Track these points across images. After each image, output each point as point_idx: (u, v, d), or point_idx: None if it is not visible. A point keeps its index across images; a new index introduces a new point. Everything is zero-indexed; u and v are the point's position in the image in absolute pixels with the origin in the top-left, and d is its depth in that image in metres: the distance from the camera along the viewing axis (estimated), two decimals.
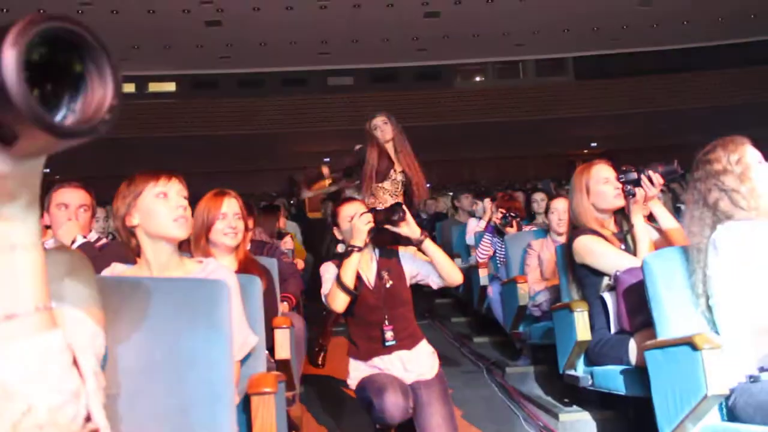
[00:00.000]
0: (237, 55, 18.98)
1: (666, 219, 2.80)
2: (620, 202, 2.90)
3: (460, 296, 5.61)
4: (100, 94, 0.66)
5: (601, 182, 2.93)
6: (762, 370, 1.92)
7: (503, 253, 4.50)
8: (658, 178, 2.76)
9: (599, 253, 2.83)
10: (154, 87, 20.78)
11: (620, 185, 2.87)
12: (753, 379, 1.93)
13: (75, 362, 0.77)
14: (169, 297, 1.31)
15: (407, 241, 2.92)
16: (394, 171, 4.26)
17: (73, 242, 2.93)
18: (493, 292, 4.54)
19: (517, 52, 20.45)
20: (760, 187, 2.11)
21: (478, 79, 22.33)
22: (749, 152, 2.17)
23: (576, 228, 2.96)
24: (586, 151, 24.69)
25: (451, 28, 18.17)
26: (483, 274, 4.88)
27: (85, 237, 3.00)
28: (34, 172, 0.72)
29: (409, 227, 2.79)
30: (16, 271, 0.71)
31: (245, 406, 1.86)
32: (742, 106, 19.32)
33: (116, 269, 1.97)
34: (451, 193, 12.88)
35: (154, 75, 20.41)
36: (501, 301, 4.36)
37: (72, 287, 0.87)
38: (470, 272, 5.20)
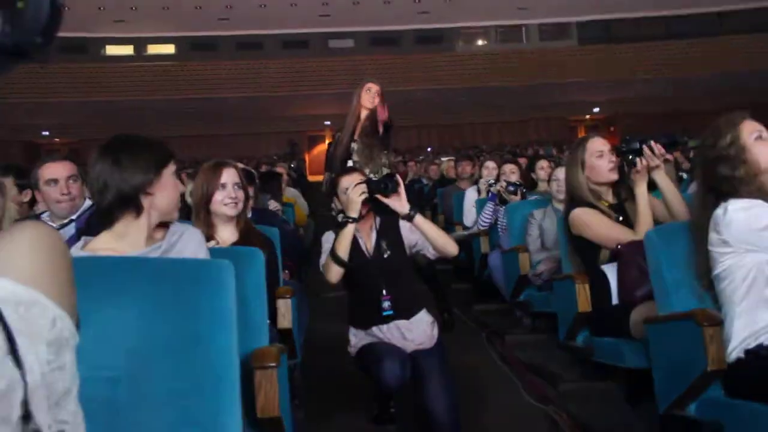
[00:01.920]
0: (236, 17, 18.79)
1: (669, 190, 2.79)
2: (614, 176, 2.93)
3: (462, 263, 5.62)
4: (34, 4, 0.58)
5: (595, 155, 2.94)
6: (761, 346, 1.93)
7: (505, 221, 4.50)
8: (659, 148, 2.74)
9: (593, 225, 2.87)
10: (152, 49, 20.59)
11: (615, 158, 2.90)
12: (753, 354, 1.94)
13: (14, 350, 0.66)
14: (174, 277, 1.30)
15: None
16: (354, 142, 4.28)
17: None
18: (494, 260, 4.54)
19: (521, 15, 20.22)
20: (758, 167, 2.09)
21: (480, 42, 22.10)
22: (744, 131, 2.13)
23: (572, 201, 2.97)
24: (588, 116, 24.58)
25: None
26: (484, 242, 4.88)
27: (71, 218, 3.00)
28: None
29: (400, 201, 2.75)
30: None
31: (247, 379, 1.86)
32: (748, 73, 19.18)
33: (92, 244, 1.89)
34: (453, 158, 12.81)
35: (153, 37, 20.21)
36: (502, 270, 4.36)
37: (25, 262, 0.77)
38: (471, 240, 5.21)
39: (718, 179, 2.14)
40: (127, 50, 20.46)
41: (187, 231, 1.95)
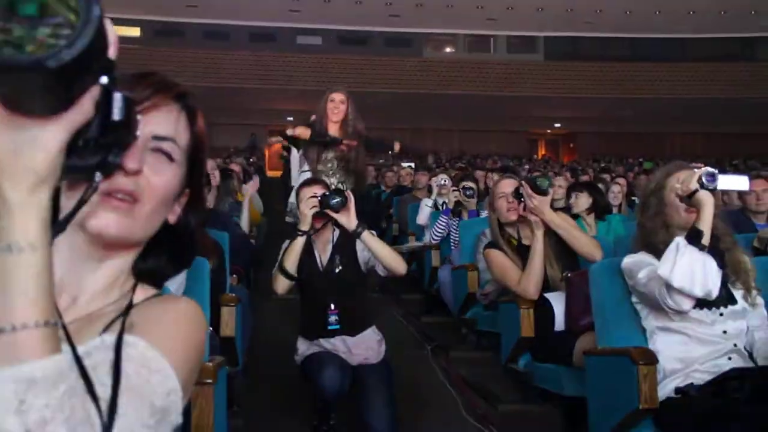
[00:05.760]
0: (205, 5, 18.56)
1: (561, 230, 2.89)
2: (513, 216, 3.04)
3: (413, 273, 5.62)
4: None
5: (498, 196, 3.08)
6: (692, 386, 1.98)
7: (457, 236, 4.51)
8: (526, 190, 2.86)
9: (493, 265, 3.07)
10: (117, 31, 20.10)
11: (513, 200, 2.99)
12: (683, 393, 1.99)
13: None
14: None
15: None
16: (327, 152, 4.11)
17: None
18: (444, 275, 4.56)
19: (490, 26, 20.41)
20: (668, 221, 2.12)
21: (447, 50, 22.24)
22: (671, 182, 2.12)
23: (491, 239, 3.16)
24: (549, 131, 24.92)
25: None
26: (435, 256, 4.90)
27: None
28: (31, 144, 0.57)
29: (348, 217, 2.72)
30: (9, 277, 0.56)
31: None
32: (707, 100, 19.68)
33: None
34: (412, 165, 12.75)
35: (118, 18, 19.79)
36: (451, 285, 4.38)
37: (168, 333, 0.77)
38: (423, 251, 5.22)
39: (640, 227, 2.20)
40: None
41: None
